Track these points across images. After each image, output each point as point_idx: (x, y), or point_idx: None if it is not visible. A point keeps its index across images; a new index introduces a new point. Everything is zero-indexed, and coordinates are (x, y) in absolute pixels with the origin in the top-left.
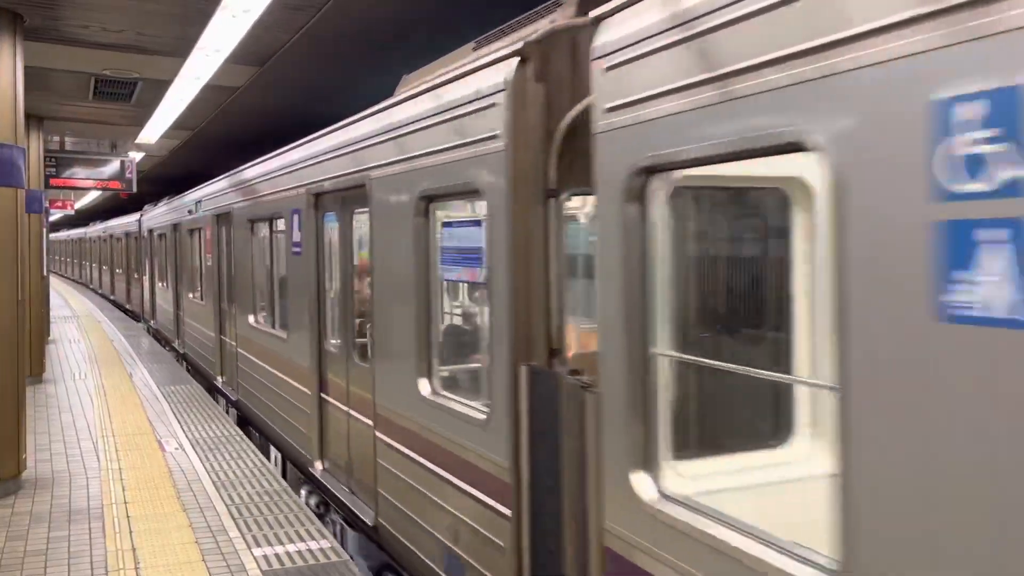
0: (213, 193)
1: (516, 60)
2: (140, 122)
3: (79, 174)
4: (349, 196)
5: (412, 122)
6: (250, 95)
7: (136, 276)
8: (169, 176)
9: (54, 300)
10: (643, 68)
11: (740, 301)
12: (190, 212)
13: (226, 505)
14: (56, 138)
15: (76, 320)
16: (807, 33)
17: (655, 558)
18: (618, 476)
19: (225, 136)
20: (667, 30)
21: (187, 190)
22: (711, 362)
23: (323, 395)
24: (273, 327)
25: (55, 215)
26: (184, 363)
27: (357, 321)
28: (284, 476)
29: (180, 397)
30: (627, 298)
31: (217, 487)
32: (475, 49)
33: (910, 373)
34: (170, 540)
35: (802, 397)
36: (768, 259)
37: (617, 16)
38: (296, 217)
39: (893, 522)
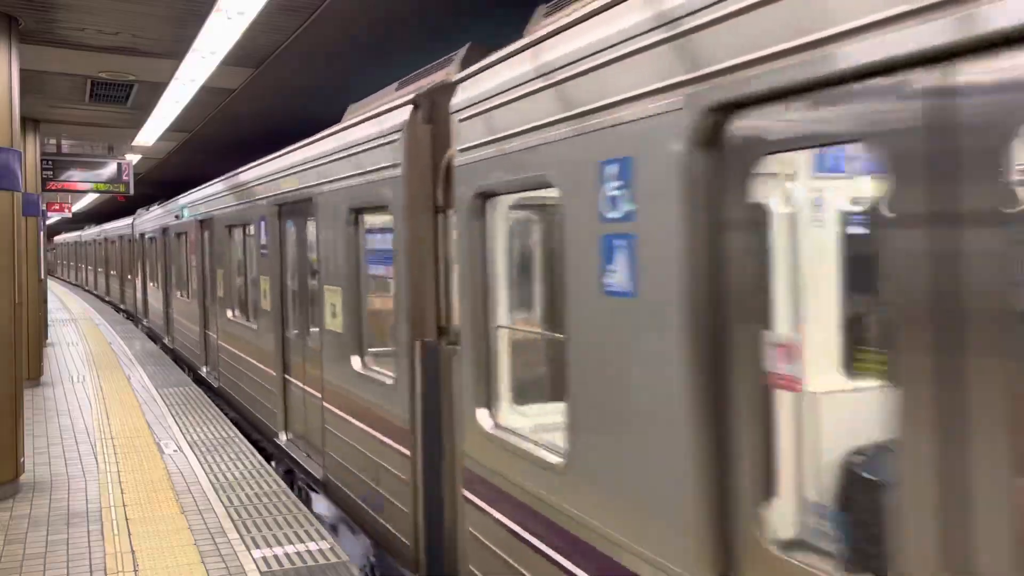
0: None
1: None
2: (137, 124)
3: (76, 177)
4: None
5: None
6: (246, 97)
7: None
8: (167, 178)
9: (52, 303)
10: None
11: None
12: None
13: (225, 507)
14: (52, 141)
15: (74, 323)
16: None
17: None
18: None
19: (222, 138)
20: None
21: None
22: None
23: None
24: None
25: (53, 217)
26: None
27: None
28: None
29: (178, 399)
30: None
31: (216, 489)
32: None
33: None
34: (169, 542)
35: None
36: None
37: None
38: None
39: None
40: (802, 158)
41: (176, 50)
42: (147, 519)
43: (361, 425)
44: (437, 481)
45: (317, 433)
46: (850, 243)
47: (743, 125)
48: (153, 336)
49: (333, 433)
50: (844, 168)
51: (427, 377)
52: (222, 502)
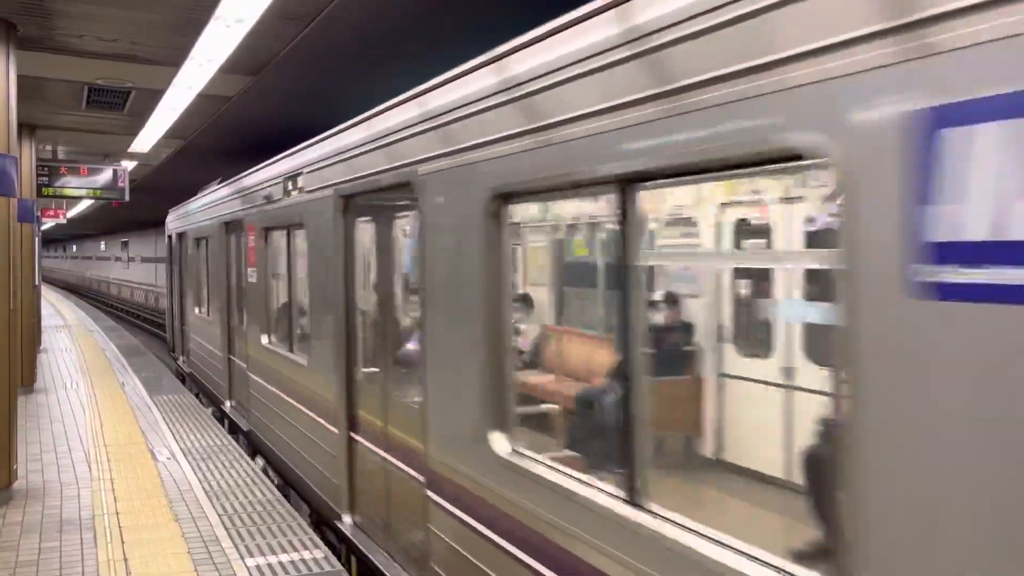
0: None
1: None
2: (133, 131)
3: (71, 183)
4: None
5: None
6: (243, 104)
7: None
8: (162, 185)
9: (45, 309)
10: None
11: None
12: None
13: (219, 515)
14: (49, 147)
15: (68, 329)
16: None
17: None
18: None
19: (219, 145)
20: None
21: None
22: None
23: None
24: None
25: (47, 224)
26: None
27: None
28: None
29: (172, 406)
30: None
31: (210, 497)
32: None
33: None
34: (162, 550)
35: None
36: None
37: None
38: None
39: None
40: None
41: (174, 57)
42: (140, 527)
43: None
44: None
45: None
46: None
47: None
48: None
49: None
50: None
51: None
52: (216, 510)
